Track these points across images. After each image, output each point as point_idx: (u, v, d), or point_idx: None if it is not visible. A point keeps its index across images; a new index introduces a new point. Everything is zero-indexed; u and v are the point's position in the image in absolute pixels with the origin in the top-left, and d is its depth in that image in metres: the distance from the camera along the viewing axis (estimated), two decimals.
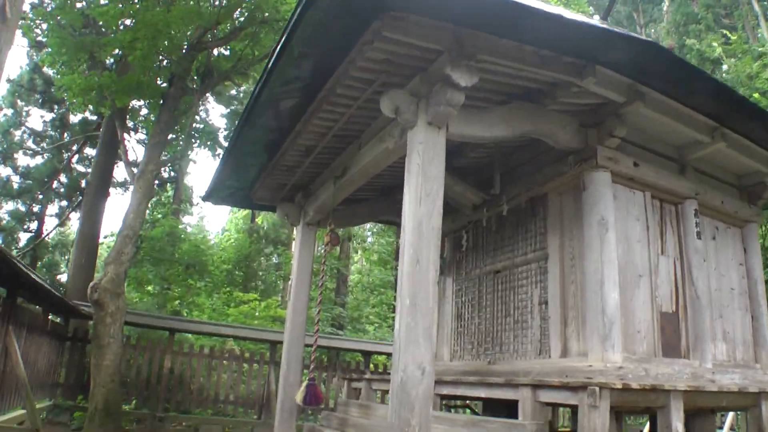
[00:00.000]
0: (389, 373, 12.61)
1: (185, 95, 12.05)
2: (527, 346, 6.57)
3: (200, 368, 11.50)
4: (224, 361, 11.67)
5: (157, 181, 21.47)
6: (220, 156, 8.19)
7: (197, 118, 13.84)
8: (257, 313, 19.20)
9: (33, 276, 7.38)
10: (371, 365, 13.44)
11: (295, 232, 8.45)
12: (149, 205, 17.04)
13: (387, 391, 8.07)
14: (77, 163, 21.20)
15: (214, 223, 73.91)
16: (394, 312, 22.23)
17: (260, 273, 26.85)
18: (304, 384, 6.24)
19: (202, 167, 69.97)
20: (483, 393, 5.63)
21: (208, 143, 13.53)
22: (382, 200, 8.83)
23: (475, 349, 7.53)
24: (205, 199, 8.59)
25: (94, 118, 18.59)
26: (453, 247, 8.45)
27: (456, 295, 8.23)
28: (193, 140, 13.69)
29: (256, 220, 29.33)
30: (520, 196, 6.94)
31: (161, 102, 11.63)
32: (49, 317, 10.42)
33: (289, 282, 8.08)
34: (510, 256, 7.22)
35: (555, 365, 5.82)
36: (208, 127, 13.86)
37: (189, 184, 26.48)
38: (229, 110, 18.36)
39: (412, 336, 4.35)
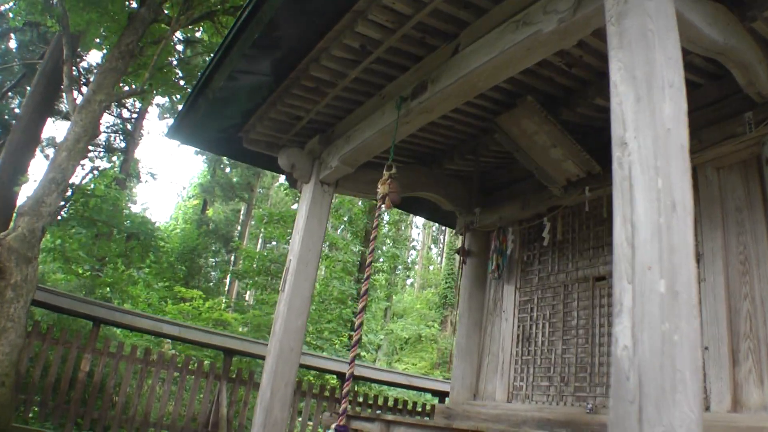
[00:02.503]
0: (416, 412, 9.94)
1: (157, 22, 9.37)
2: None
3: (129, 376, 8.57)
4: (162, 370, 8.82)
5: (102, 149, 18.44)
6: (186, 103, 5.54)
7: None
8: (200, 314, 16.33)
9: None
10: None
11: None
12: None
13: None
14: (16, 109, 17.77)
15: (159, 215, 68.49)
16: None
17: (205, 270, 23.80)
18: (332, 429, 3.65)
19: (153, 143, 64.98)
20: None
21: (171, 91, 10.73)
22: (422, 170, 6.43)
23: (557, 387, 5.16)
24: (171, 134, 5.96)
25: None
26: (521, 242, 6.08)
27: (521, 309, 5.86)
28: (154, 89, 10.81)
29: (207, 211, 26.37)
30: None
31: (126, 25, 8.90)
32: None
33: (286, 265, 5.51)
34: None
35: (722, 423, 3.78)
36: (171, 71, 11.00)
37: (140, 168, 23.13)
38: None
39: (676, 363, 1.94)
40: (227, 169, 26.15)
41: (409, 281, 36.51)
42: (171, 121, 21.17)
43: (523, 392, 5.47)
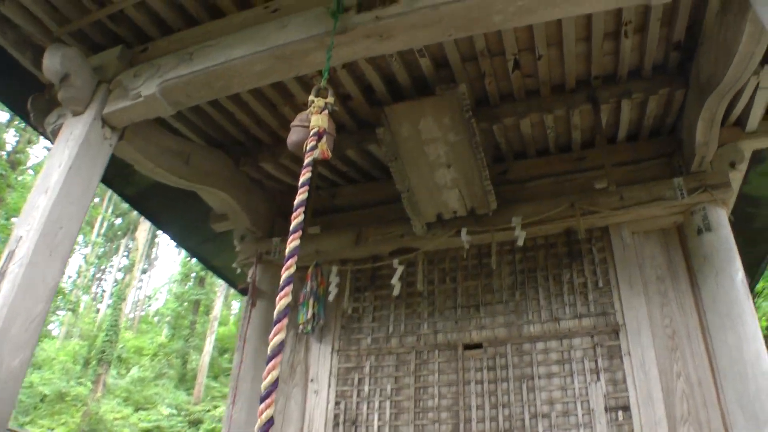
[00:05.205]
0: None
1: None
2: None
3: None
4: None
5: None
6: None
7: None
8: None
9: None
10: None
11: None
12: None
13: None
14: None
15: None
16: None
17: None
18: None
19: None
20: None
21: None
22: (228, 162, 4.59)
23: None
24: None
25: None
26: (351, 289, 4.54)
27: (341, 380, 4.25)
28: None
29: None
30: (551, 222, 3.95)
31: None
32: None
33: (8, 246, 2.94)
34: (512, 320, 4.00)
35: None
36: None
37: None
38: None
39: None
40: None
41: (50, 326, 30.08)
42: None
43: None
